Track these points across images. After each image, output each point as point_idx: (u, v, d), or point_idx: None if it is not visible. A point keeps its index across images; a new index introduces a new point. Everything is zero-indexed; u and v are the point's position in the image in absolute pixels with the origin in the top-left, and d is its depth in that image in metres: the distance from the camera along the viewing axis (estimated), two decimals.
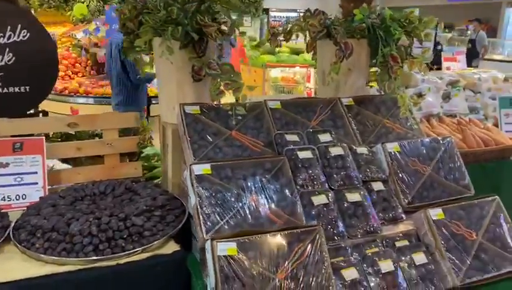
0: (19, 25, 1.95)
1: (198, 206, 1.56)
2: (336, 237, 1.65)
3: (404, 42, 2.22)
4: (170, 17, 1.74)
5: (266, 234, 1.48)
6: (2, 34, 1.94)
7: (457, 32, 15.50)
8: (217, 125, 1.89)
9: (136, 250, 1.53)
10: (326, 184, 1.78)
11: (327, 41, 2.27)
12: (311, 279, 1.45)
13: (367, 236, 1.70)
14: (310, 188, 1.74)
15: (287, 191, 1.70)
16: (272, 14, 17.54)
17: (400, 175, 1.93)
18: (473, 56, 11.10)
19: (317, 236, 1.53)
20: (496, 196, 1.88)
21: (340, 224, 1.68)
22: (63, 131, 2.19)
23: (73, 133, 2.39)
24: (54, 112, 5.48)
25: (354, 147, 1.97)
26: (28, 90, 2.03)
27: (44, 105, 5.59)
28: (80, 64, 5.97)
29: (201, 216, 1.54)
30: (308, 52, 2.58)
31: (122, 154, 2.30)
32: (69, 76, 5.79)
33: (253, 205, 1.62)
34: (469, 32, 12.87)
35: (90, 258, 1.47)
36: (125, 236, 1.54)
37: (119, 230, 1.55)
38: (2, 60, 1.96)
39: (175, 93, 1.96)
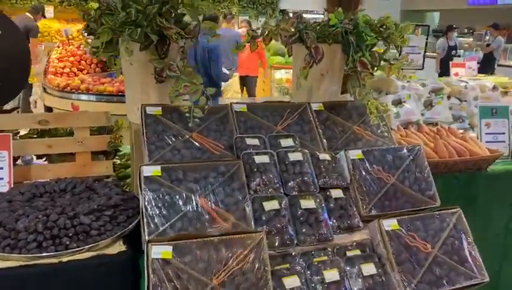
0: None
1: (144, 208, 1.56)
2: (284, 244, 1.63)
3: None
4: (130, 19, 1.75)
5: (206, 239, 1.48)
6: None
7: (476, 37, 15.19)
8: (178, 127, 1.90)
9: (80, 249, 1.54)
10: (281, 190, 1.77)
11: (301, 46, 2.25)
12: (248, 286, 1.43)
13: (317, 244, 1.68)
14: (263, 193, 1.73)
15: (238, 195, 1.69)
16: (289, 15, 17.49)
17: (361, 183, 1.90)
18: (491, 62, 10.85)
19: (260, 242, 1.51)
20: (458, 208, 1.83)
21: (291, 231, 1.66)
22: (33, 128, 2.22)
23: (48, 130, 2.43)
24: (57, 108, 5.59)
25: (317, 153, 1.95)
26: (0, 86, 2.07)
27: (48, 101, 5.74)
28: (85, 61, 6.07)
29: (145, 218, 1.55)
30: (289, 55, 2.56)
31: (98, 153, 2.33)
32: (74, 73, 5.89)
33: (202, 208, 1.62)
34: (487, 37, 12.57)
35: (33, 255, 1.49)
36: (70, 234, 1.55)
37: (65, 228, 1.56)
38: None
39: (139, 94, 1.97)
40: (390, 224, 1.70)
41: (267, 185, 1.75)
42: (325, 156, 1.96)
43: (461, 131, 2.49)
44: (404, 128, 2.45)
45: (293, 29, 2.23)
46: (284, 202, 1.71)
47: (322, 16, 17.94)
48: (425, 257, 1.68)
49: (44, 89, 5.77)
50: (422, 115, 2.60)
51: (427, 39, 3.14)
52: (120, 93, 4.81)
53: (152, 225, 1.54)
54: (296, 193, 1.77)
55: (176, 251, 1.42)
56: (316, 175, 1.86)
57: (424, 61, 3.17)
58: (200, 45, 4.61)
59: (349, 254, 1.67)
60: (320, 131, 2.12)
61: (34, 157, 2.33)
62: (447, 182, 2.18)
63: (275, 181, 1.77)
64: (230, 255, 1.46)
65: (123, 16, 1.75)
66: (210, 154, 1.87)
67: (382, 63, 2.27)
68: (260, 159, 1.80)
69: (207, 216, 1.61)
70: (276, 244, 1.62)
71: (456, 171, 2.19)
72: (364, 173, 1.92)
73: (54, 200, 1.80)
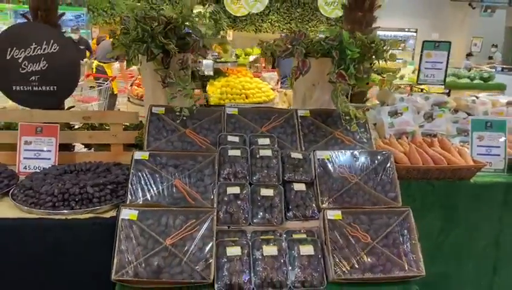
0: (52, 40, 2.61)
1: (130, 183, 2.00)
2: (239, 222, 1.95)
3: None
4: (138, 37, 2.23)
5: (167, 208, 1.86)
6: (40, 47, 2.62)
7: None
8: (175, 124, 2.32)
9: (82, 211, 2.02)
10: (246, 179, 2.08)
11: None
12: (194, 249, 1.78)
13: (268, 225, 1.96)
14: (230, 180, 2.07)
15: (208, 180, 2.05)
16: (377, 33, 17.29)
17: (325, 180, 2.13)
18: None
19: (211, 216, 1.85)
20: (408, 208, 1.98)
21: (247, 212, 1.97)
22: (80, 122, 2.80)
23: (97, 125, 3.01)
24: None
25: (290, 152, 2.23)
26: (55, 89, 2.68)
27: (131, 109, 6.60)
28: None
29: (129, 191, 1.98)
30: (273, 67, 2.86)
31: (131, 145, 2.85)
32: None
33: (175, 187, 2.01)
34: None
35: (48, 211, 2.00)
36: (77, 199, 2.04)
37: (74, 194, 2.05)
38: (39, 66, 2.64)
39: (150, 96, 2.44)
40: (333, 214, 1.92)
41: (235, 175, 2.09)
42: (297, 155, 2.23)
43: (455, 143, 2.57)
44: (397, 138, 2.60)
45: (289, 46, 2.53)
46: (245, 189, 2.02)
47: (414, 34, 17.29)
48: (363, 246, 1.87)
49: (128, 98, 6.65)
50: (422, 126, 2.71)
51: (448, 56, 3.19)
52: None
53: (134, 196, 1.97)
54: (259, 183, 2.08)
55: (141, 215, 1.82)
56: (283, 170, 2.15)
57: (445, 76, 3.22)
58: None
59: (295, 236, 1.92)
60: (302, 134, 2.39)
61: (82, 146, 2.94)
62: (422, 188, 2.30)
63: (243, 172, 2.10)
64: (184, 223, 1.82)
65: (134, 34, 2.23)
66: (198, 147, 2.26)
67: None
68: (233, 153, 2.14)
69: (179, 194, 2.00)
70: (231, 221, 1.95)
71: (433, 178, 2.29)
72: (329, 172, 2.16)
73: (78, 176, 2.32)
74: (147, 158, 2.07)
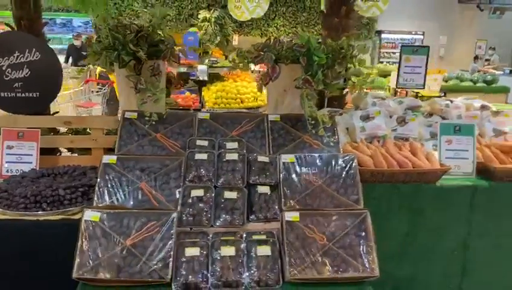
0: (34, 49, 2.72)
1: (97, 186, 2.08)
2: (201, 224, 2.02)
3: None
4: (110, 45, 2.32)
5: (129, 210, 1.94)
6: (22, 55, 2.73)
7: None
8: (147, 129, 2.40)
9: (53, 212, 2.10)
10: (212, 182, 2.15)
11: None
12: (154, 249, 1.85)
13: (229, 227, 2.02)
14: (195, 183, 2.13)
15: (173, 183, 2.12)
16: (383, 36, 17.27)
17: (289, 183, 2.19)
18: None
19: (172, 218, 1.92)
20: (366, 210, 2.02)
21: (209, 214, 2.04)
22: (60, 127, 2.91)
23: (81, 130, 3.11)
24: None
25: (257, 156, 2.29)
26: (38, 95, 2.78)
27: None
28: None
29: (97, 193, 2.06)
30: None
31: (112, 149, 2.93)
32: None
33: (141, 190, 2.09)
34: None
35: (20, 212, 2.09)
36: (48, 201, 2.13)
37: (45, 197, 2.14)
38: (22, 73, 2.75)
39: (124, 101, 2.53)
40: (291, 216, 1.98)
41: (200, 178, 2.15)
42: (264, 159, 2.29)
43: (428, 147, 2.60)
44: (369, 141, 2.64)
45: (260, 52, 2.60)
46: (209, 192, 2.09)
47: (422, 37, 17.20)
48: (319, 247, 1.92)
49: None
50: (395, 130, 2.75)
51: (427, 60, 3.22)
52: (180, 107, 5.52)
53: (101, 199, 2.05)
54: (224, 186, 2.14)
55: (104, 217, 1.90)
56: (248, 173, 2.21)
57: (425, 80, 3.25)
58: None
59: (255, 237, 1.98)
60: (271, 138, 2.45)
61: (65, 150, 3.04)
62: (387, 191, 2.34)
63: (208, 175, 2.16)
64: (145, 225, 1.89)
65: (106, 42, 2.32)
66: (168, 151, 2.33)
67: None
68: (200, 156, 2.21)
69: (144, 197, 2.07)
70: (193, 223, 2.01)
71: (398, 181, 2.33)
72: (293, 175, 2.21)
73: (54, 179, 2.41)
74: (114, 162, 2.15)
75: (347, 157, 2.28)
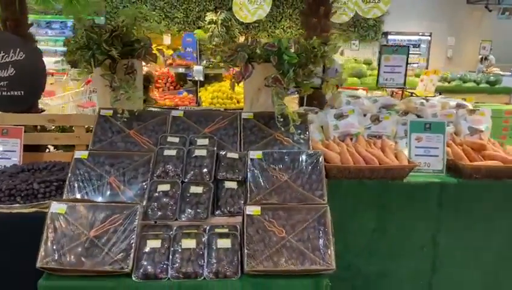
0: (18, 49, 2.82)
1: (67, 180, 2.16)
2: (166, 217, 2.08)
3: None
4: (84, 44, 2.40)
5: (95, 203, 2.01)
6: (7, 55, 2.83)
7: None
8: (121, 126, 2.47)
9: (26, 205, 2.18)
10: (179, 177, 2.21)
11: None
12: (117, 241, 1.91)
13: (193, 221, 2.08)
14: (163, 179, 2.20)
15: (141, 178, 2.19)
16: (390, 37, 17.19)
17: (255, 178, 2.24)
18: None
19: (136, 211, 1.99)
20: (326, 205, 2.06)
21: (174, 208, 2.10)
22: (45, 124, 3.00)
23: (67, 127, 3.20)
24: None
25: (227, 152, 2.35)
26: (23, 93, 2.88)
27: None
28: (161, 79, 7.08)
29: (67, 187, 2.14)
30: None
31: None
32: (152, 89, 6.90)
33: (110, 184, 2.16)
34: None
35: None
36: (22, 195, 2.21)
37: (20, 190, 2.22)
38: (7, 72, 2.85)
39: (101, 99, 2.60)
40: (252, 210, 2.03)
41: (168, 173, 2.22)
42: (233, 155, 2.35)
43: (402, 145, 2.64)
44: (342, 139, 2.67)
45: (234, 51, 2.65)
46: (175, 187, 2.15)
47: (429, 38, 17.04)
48: (278, 240, 1.96)
49: None
50: (369, 128, 2.78)
51: (407, 60, 3.24)
52: (175, 107, 5.61)
53: (71, 193, 2.12)
54: (191, 181, 2.20)
55: (70, 209, 1.97)
56: (217, 169, 2.27)
57: (405, 80, 3.27)
58: None
59: (217, 231, 2.03)
60: (243, 135, 2.51)
61: (51, 148, 3.13)
62: (354, 187, 2.37)
63: (176, 170, 2.22)
64: (107, 216, 1.96)
65: (81, 42, 2.40)
66: (140, 147, 2.40)
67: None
68: (168, 152, 2.28)
69: (113, 191, 2.14)
70: (158, 216, 2.08)
71: (365, 178, 2.37)
72: (260, 171, 2.26)
73: (33, 174, 2.49)
74: (86, 157, 2.23)
75: (314, 154, 2.33)
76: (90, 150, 2.29)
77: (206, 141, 2.40)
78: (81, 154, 2.23)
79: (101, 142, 2.41)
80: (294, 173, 2.27)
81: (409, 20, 16.54)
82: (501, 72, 11.72)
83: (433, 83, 6.12)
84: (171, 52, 7.63)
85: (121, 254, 1.89)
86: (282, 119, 2.41)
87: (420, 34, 17.28)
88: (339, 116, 2.74)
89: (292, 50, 2.62)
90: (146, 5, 14.99)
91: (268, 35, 16.20)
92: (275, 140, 2.50)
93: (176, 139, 2.39)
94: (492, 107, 5.96)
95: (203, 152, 2.30)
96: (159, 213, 2.09)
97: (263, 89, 2.66)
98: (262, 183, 2.24)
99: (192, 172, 2.24)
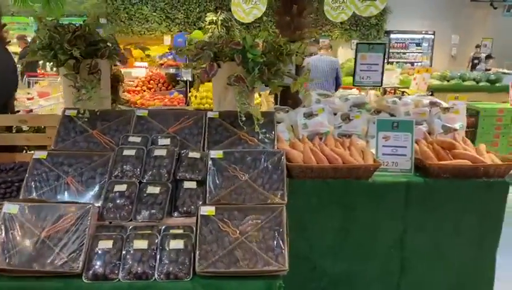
0: None
1: (25, 181, 2.15)
2: (121, 218, 2.06)
3: None
4: (47, 44, 2.39)
5: (49, 204, 1.99)
6: None
7: None
8: (84, 126, 2.46)
9: None
10: (137, 177, 2.19)
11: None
12: (67, 241, 1.90)
13: (148, 221, 2.06)
14: (121, 179, 2.18)
15: (99, 178, 2.18)
16: (393, 36, 17.07)
17: (215, 178, 2.21)
18: None
19: (89, 212, 1.97)
20: (282, 205, 2.03)
21: (130, 209, 2.08)
22: (17, 125, 3.00)
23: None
24: None
25: (188, 152, 2.33)
26: None
27: None
28: (153, 80, 7.09)
29: (23, 188, 2.13)
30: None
31: None
32: (144, 90, 6.93)
33: (67, 185, 2.15)
34: None
35: None
36: None
37: None
38: None
39: (66, 99, 2.60)
40: (207, 210, 2.00)
41: (126, 173, 2.20)
42: (195, 155, 2.32)
43: (362, 142, 2.60)
44: (311, 138, 2.64)
45: (200, 50, 2.63)
46: (132, 187, 2.13)
47: (432, 37, 16.87)
48: (231, 241, 1.94)
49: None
50: (339, 127, 2.74)
51: (384, 57, 3.20)
52: (164, 107, 5.60)
53: (27, 193, 2.12)
54: (149, 181, 2.18)
55: (22, 210, 1.96)
56: (177, 169, 2.25)
57: (382, 78, 3.22)
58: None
59: (171, 231, 2.01)
60: (207, 135, 2.48)
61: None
62: (318, 186, 2.34)
63: (134, 171, 2.21)
64: (59, 217, 1.95)
65: (44, 42, 2.40)
66: (102, 147, 2.39)
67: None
68: (128, 152, 2.26)
69: (70, 191, 2.13)
70: (113, 217, 2.06)
71: (328, 177, 2.33)
72: (221, 170, 2.24)
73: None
74: (45, 157, 2.22)
75: (275, 154, 2.30)
76: (50, 150, 2.28)
77: (167, 141, 2.38)
78: (39, 154, 2.22)
79: (63, 142, 2.40)
80: (255, 172, 2.24)
81: (412, 19, 16.41)
82: (506, 71, 11.54)
83: (425, 82, 6.04)
84: (155, 53, 7.68)
85: (72, 254, 1.87)
86: (244, 119, 2.39)
87: (423, 32, 17.15)
88: (309, 115, 2.71)
89: (259, 48, 2.60)
90: (147, 6, 15.11)
91: (269, 35, 16.19)
92: (239, 139, 2.48)
93: (138, 139, 2.38)
94: (485, 105, 5.89)
95: (162, 152, 2.28)
96: (115, 214, 2.07)
97: (230, 87, 2.63)
98: (222, 183, 2.21)
99: (150, 172, 2.22)
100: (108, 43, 2.56)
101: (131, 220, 2.07)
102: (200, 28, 14.36)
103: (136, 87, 6.99)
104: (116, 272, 1.87)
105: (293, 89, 2.69)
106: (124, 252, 1.92)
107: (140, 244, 1.93)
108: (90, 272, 1.85)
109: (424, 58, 17.56)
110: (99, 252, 1.90)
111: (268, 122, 2.56)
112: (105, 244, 1.93)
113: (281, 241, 1.96)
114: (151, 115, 2.55)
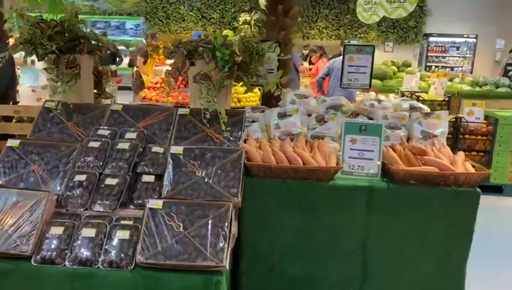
0: None
1: None
2: (78, 206, 2.15)
3: None
4: (28, 39, 2.53)
5: (8, 189, 2.11)
6: None
7: None
8: (61, 117, 2.58)
9: None
10: (99, 169, 2.28)
11: None
12: (21, 225, 2.01)
13: (102, 212, 2.14)
14: (82, 169, 2.28)
15: (62, 168, 2.28)
16: (432, 39, 16.52)
17: (173, 173, 2.26)
18: None
19: (43, 199, 2.07)
20: (229, 203, 2.05)
21: (86, 198, 2.17)
22: (11, 115, 3.18)
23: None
24: None
25: (152, 146, 2.39)
26: None
27: None
28: (173, 78, 7.24)
29: None
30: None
31: None
32: (163, 87, 7.10)
33: (33, 172, 2.26)
34: None
35: None
36: None
37: None
38: None
39: (49, 91, 2.73)
40: (154, 203, 2.06)
41: (89, 164, 2.29)
42: (158, 149, 2.39)
43: (335, 144, 2.56)
44: (283, 139, 2.63)
45: (174, 48, 2.69)
46: (92, 178, 2.22)
47: (475, 40, 16.14)
48: (174, 235, 1.98)
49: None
50: (314, 129, 2.72)
51: (372, 59, 3.12)
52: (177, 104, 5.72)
53: None
54: (109, 173, 2.26)
55: None
56: (138, 162, 2.32)
57: (370, 80, 3.15)
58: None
59: (122, 222, 2.08)
60: (176, 130, 2.54)
61: None
62: (277, 187, 2.33)
63: (96, 162, 2.30)
64: (16, 203, 2.06)
65: (27, 36, 2.53)
66: (75, 139, 2.50)
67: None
68: (93, 144, 2.35)
69: (35, 178, 2.25)
70: (70, 205, 2.15)
71: (289, 178, 2.32)
72: (180, 166, 2.29)
73: None
74: (17, 146, 2.35)
75: (235, 152, 2.32)
76: (24, 139, 2.41)
77: (134, 135, 2.46)
78: (13, 142, 2.36)
79: (39, 132, 2.52)
80: (213, 169, 2.27)
81: (453, 21, 15.79)
82: None
83: (442, 86, 5.83)
84: None
85: (24, 238, 1.98)
86: (209, 116, 2.43)
87: (465, 36, 16.47)
88: (282, 116, 2.70)
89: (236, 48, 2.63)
90: (184, 6, 15.43)
91: (303, 36, 16.10)
92: (206, 137, 2.52)
93: (106, 132, 2.47)
94: (505, 113, 5.62)
95: (125, 145, 2.35)
96: (72, 202, 2.17)
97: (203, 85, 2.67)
98: (180, 179, 2.26)
99: (111, 164, 2.30)
100: (92, 40, 2.66)
101: (87, 209, 2.15)
102: (234, 28, 14.54)
103: (156, 84, 7.19)
104: (64, 257, 1.96)
105: (265, 89, 2.70)
106: (73, 239, 2.00)
107: (89, 232, 2.01)
108: (39, 256, 1.95)
109: (465, 62, 16.86)
110: (50, 237, 2.00)
111: (237, 121, 2.58)
112: (56, 230, 2.02)
113: (223, 239, 1.98)
114: (124, 110, 2.63)
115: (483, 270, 2.97)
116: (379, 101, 2.86)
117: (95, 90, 2.92)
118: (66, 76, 2.53)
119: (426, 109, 2.82)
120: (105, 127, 2.51)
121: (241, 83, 2.76)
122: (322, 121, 2.72)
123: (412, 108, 2.79)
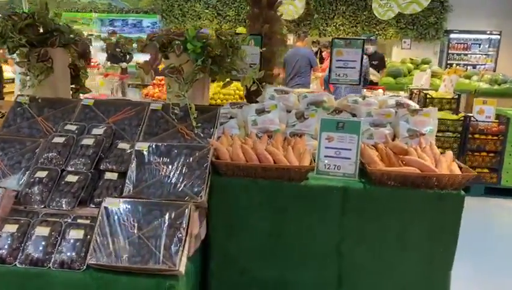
0: None
1: None
2: (36, 203, 2.08)
3: None
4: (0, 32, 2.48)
5: None
6: None
7: None
8: (32, 112, 2.52)
9: None
10: (61, 165, 2.21)
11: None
12: None
13: (60, 210, 2.07)
14: (45, 165, 2.21)
15: (25, 163, 2.23)
16: (453, 36, 16.02)
17: (137, 170, 2.17)
18: None
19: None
20: (187, 204, 1.95)
21: (45, 195, 2.10)
22: None
23: None
24: None
25: (118, 143, 2.31)
26: None
27: None
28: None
29: None
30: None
31: None
32: (169, 85, 7.02)
33: None
34: None
35: None
36: None
37: None
38: None
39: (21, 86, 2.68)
40: (111, 203, 1.97)
41: (52, 160, 2.22)
42: (124, 146, 2.31)
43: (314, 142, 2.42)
44: (261, 136, 2.51)
45: (148, 41, 2.60)
46: (53, 174, 2.15)
47: (499, 37, 15.64)
48: (128, 236, 1.89)
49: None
50: (294, 126, 2.59)
51: (363, 55, 2.96)
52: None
53: None
54: (70, 170, 2.19)
55: None
56: (101, 159, 2.24)
57: (360, 75, 2.99)
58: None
59: (79, 221, 2.00)
60: (146, 126, 2.45)
61: None
62: (246, 186, 2.21)
63: (59, 158, 2.23)
64: None
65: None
66: (43, 133, 2.44)
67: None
68: (57, 140, 2.29)
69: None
70: (28, 202, 2.09)
71: (259, 177, 2.20)
72: (144, 163, 2.19)
73: None
74: None
75: (202, 149, 2.21)
76: None
77: (101, 131, 2.38)
78: None
79: (9, 127, 2.47)
80: (178, 167, 2.17)
81: (476, 18, 15.24)
82: None
83: (452, 84, 5.58)
84: None
85: None
86: (179, 111, 2.33)
87: (488, 32, 15.88)
88: (260, 112, 2.58)
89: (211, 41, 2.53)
90: (200, 4, 15.41)
91: (319, 33, 15.84)
92: (176, 133, 2.42)
93: (74, 127, 2.40)
94: None
95: (90, 141, 2.28)
96: (30, 199, 2.10)
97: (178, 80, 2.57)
98: (143, 176, 2.17)
99: (74, 161, 2.22)
100: (65, 34, 2.60)
101: (45, 207, 2.08)
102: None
103: (161, 81, 7.14)
104: (15, 256, 1.89)
105: (242, 84, 2.59)
106: (26, 237, 1.94)
107: (42, 231, 1.94)
108: None
109: (488, 60, 16.30)
110: (3, 235, 1.94)
111: (210, 117, 2.47)
112: (10, 228, 1.96)
113: (178, 241, 1.88)
114: (96, 105, 2.56)
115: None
116: (364, 97, 2.70)
117: (72, 85, 2.86)
118: (36, 70, 2.47)
119: (414, 105, 2.65)
120: (73, 122, 2.43)
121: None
122: (302, 117, 2.58)
123: (399, 104, 2.63)
